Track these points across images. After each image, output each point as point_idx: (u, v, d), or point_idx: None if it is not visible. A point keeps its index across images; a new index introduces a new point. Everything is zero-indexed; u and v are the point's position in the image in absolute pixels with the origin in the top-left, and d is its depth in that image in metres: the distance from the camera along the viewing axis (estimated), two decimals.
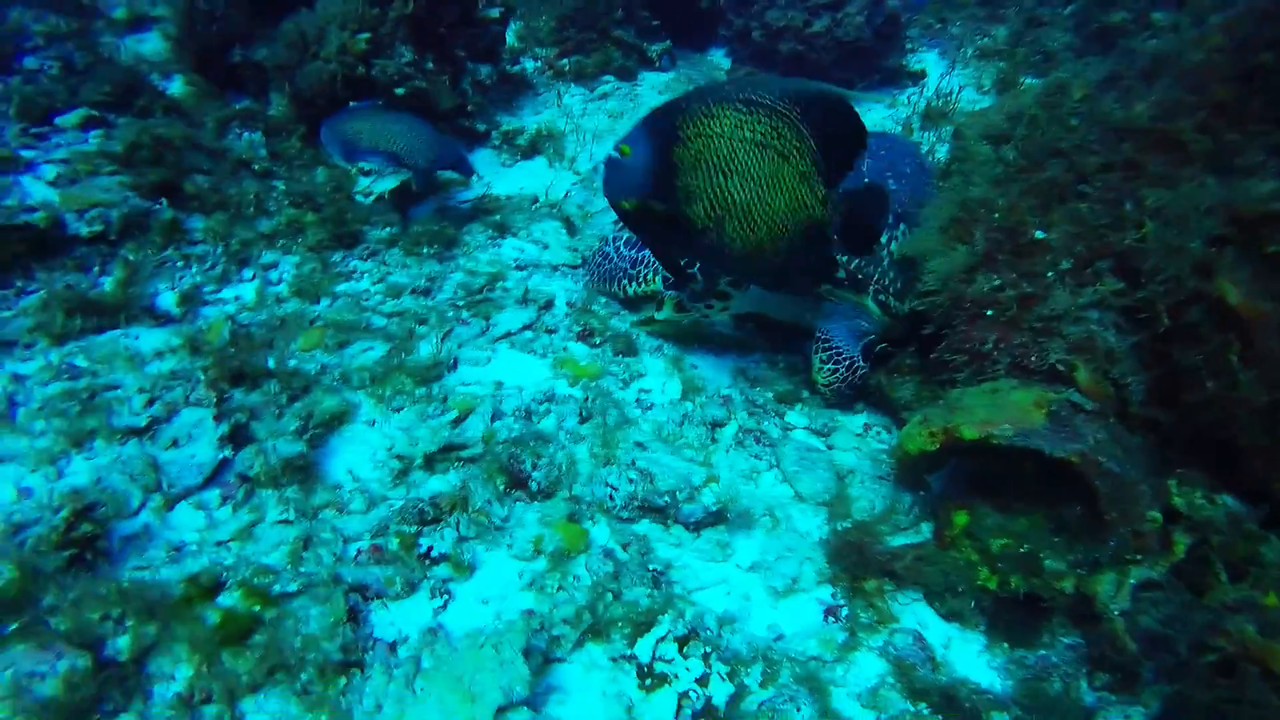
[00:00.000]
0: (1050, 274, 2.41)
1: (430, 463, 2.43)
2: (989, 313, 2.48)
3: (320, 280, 3.39)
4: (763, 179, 2.05)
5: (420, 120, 3.76)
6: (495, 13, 4.66)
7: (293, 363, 2.70)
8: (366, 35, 4.03)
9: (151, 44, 5.39)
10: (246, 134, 4.44)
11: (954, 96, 5.08)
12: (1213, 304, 2.02)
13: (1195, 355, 2.06)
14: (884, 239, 2.94)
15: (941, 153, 4.61)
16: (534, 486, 2.34)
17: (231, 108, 4.66)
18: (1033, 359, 2.35)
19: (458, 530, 2.18)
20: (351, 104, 3.87)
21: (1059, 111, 2.65)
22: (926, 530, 2.58)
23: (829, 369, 2.90)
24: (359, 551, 2.10)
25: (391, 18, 4.14)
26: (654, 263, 3.20)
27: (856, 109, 2.07)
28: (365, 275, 3.53)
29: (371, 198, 4.15)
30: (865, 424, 3.03)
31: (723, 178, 2.05)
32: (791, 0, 4.80)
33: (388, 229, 3.83)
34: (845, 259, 2.91)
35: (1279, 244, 2.02)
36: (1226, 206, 2.02)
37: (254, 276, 3.40)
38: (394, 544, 2.14)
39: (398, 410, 2.66)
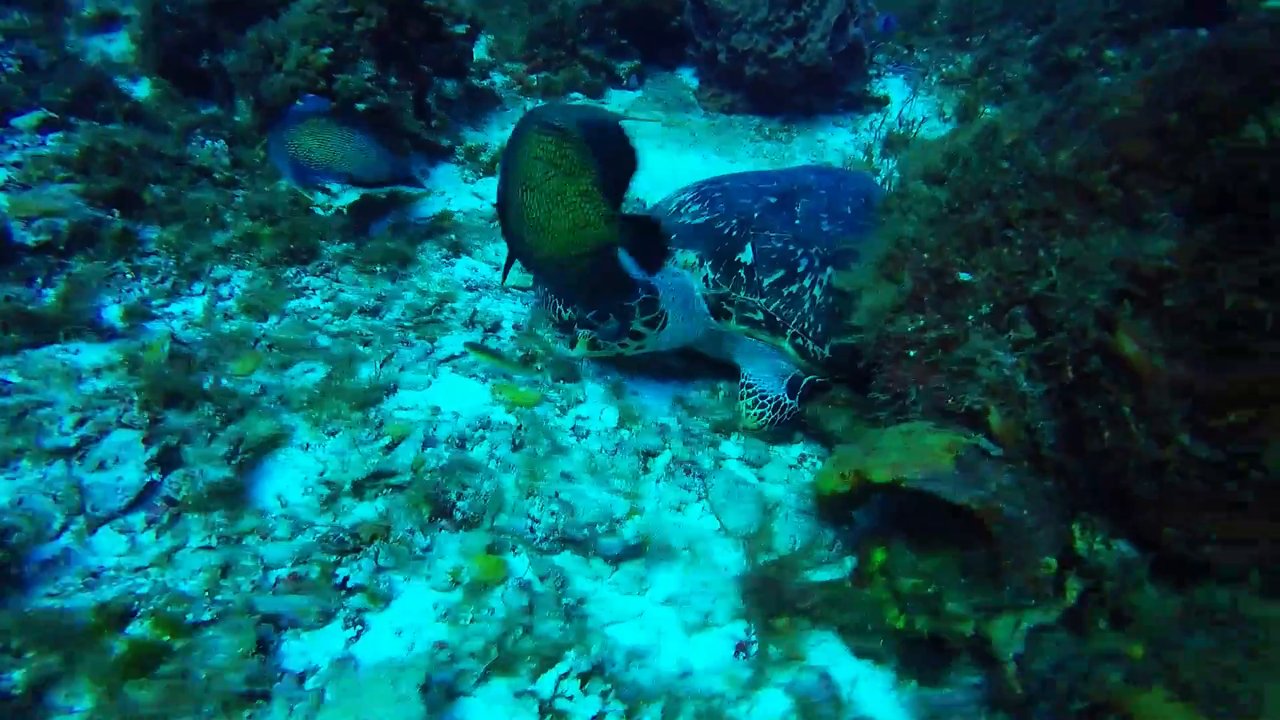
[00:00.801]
0: (971, 317, 2.47)
1: (359, 490, 2.46)
2: (911, 353, 2.54)
3: (270, 296, 3.41)
4: (550, 195, 2.21)
5: (369, 136, 3.79)
6: (462, 29, 4.69)
7: (230, 383, 2.73)
8: (329, 50, 4.05)
9: (120, 44, 5.40)
10: (210, 141, 4.45)
11: (916, 125, 5.16)
12: (1111, 356, 2.08)
13: (1095, 405, 2.13)
14: (808, 282, 3.00)
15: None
16: (458, 516, 2.38)
17: (197, 114, 4.68)
18: (949, 401, 2.41)
19: (376, 560, 2.22)
20: (298, 103, 3.85)
21: (991, 154, 2.71)
22: (850, 564, 2.64)
23: (755, 413, 2.96)
24: (278, 580, 2.13)
25: (356, 32, 4.17)
26: None
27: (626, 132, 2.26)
28: (317, 292, 3.55)
29: (331, 211, 4.18)
30: (801, 455, 3.09)
31: (522, 191, 2.22)
32: (756, 25, 4.85)
33: (344, 244, 3.86)
34: (765, 302, 2.98)
35: (1177, 298, 2.08)
36: (1127, 261, 2.09)
37: (204, 291, 3.42)
38: (314, 572, 2.18)
39: (333, 434, 2.68)
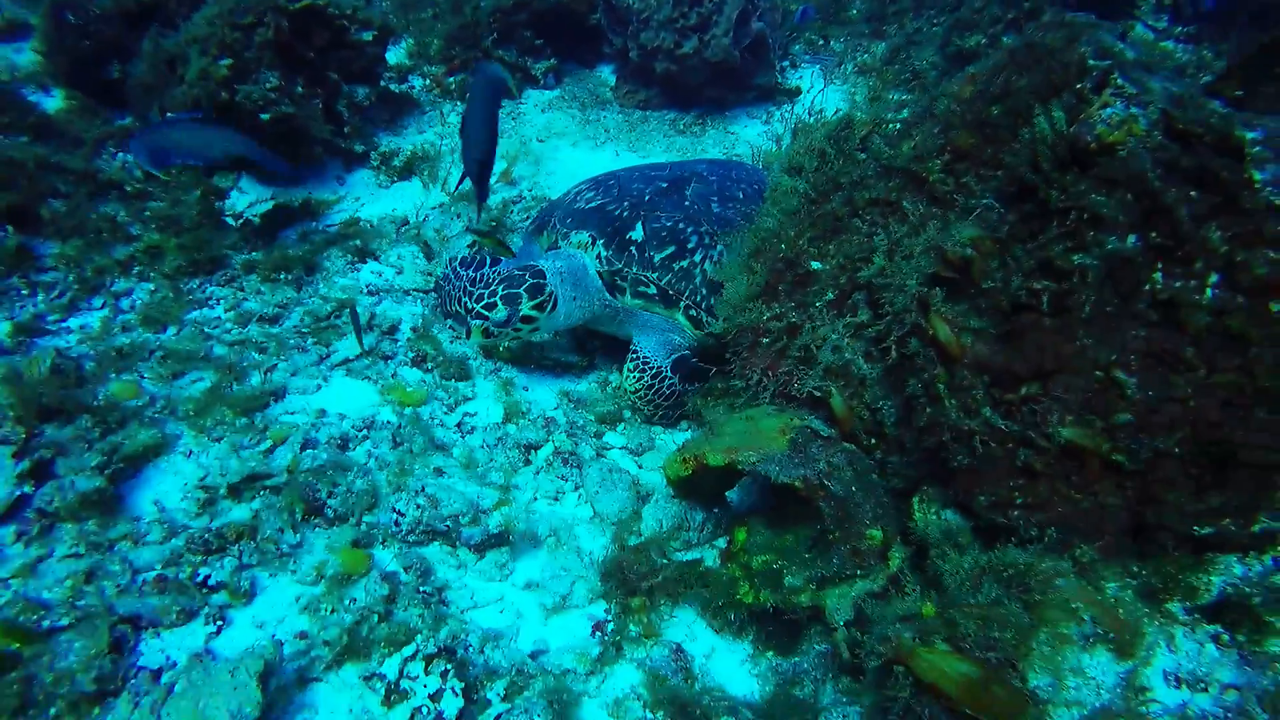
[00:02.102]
0: (818, 304, 2.59)
1: (236, 492, 2.55)
2: (764, 341, 2.66)
3: (171, 308, 3.47)
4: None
5: (233, 131, 3.92)
6: (369, 35, 4.74)
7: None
8: (229, 61, 4.09)
9: (29, 55, 5.38)
10: (122, 154, 4.48)
11: (823, 114, 5.26)
12: (927, 337, 2.21)
13: (917, 384, 2.25)
14: (698, 257, 3.14)
15: None
16: (329, 513, 2.47)
17: (111, 125, 4.70)
18: (795, 386, 2.53)
19: (239, 559, 2.30)
20: (169, 115, 3.98)
21: (846, 146, 2.82)
22: (722, 544, 2.76)
23: (635, 375, 3.10)
24: (144, 582, 2.21)
25: (256, 42, 4.20)
26: (490, 280, 3.34)
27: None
28: (220, 302, 3.62)
29: (240, 220, 4.23)
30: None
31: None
32: (662, 22, 4.94)
33: (252, 253, 3.92)
34: (656, 276, 3.11)
35: (994, 280, 2.21)
36: (936, 247, 2.21)
37: (104, 305, 3.48)
38: (184, 572, 2.26)
39: (217, 440, 2.76)
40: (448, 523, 2.42)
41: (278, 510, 2.43)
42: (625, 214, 3.25)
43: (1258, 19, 4.86)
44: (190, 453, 2.71)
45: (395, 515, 2.45)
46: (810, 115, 5.37)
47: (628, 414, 3.22)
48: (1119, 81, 2.03)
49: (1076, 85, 2.13)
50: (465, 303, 3.09)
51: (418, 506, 2.44)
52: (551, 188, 4.70)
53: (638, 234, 3.19)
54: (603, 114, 5.44)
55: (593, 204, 3.35)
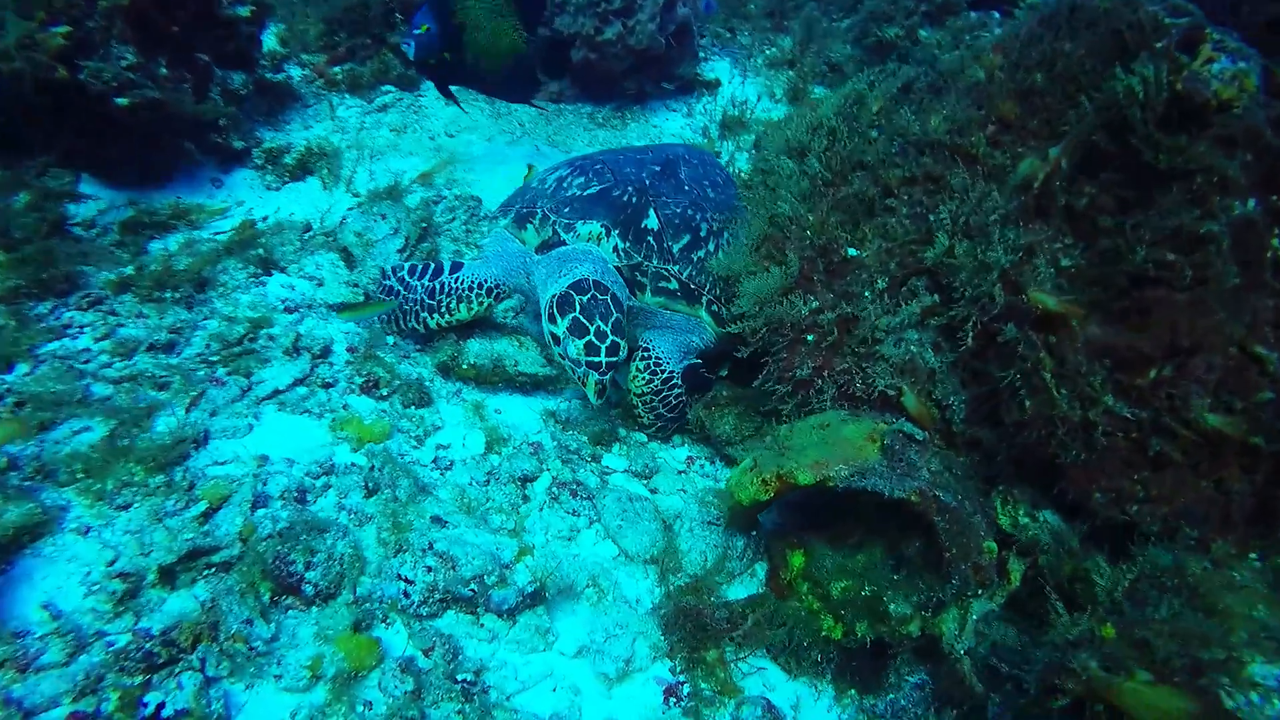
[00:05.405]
0: (868, 293, 2.32)
1: (169, 576, 1.91)
2: (810, 338, 2.35)
3: (17, 339, 2.68)
4: (492, 30, 3.43)
5: None
6: (245, 10, 4.00)
7: None
8: (65, 29, 3.27)
9: None
10: None
11: (749, 106, 5.10)
12: (1027, 320, 1.97)
13: (1013, 374, 2.02)
14: (711, 246, 2.83)
15: (742, 162, 4.59)
16: (309, 590, 1.90)
17: None
18: (859, 385, 2.25)
19: (202, 671, 1.69)
20: None
21: (859, 124, 2.58)
22: (761, 571, 2.42)
23: (644, 377, 2.69)
24: None
25: (102, 8, 3.40)
26: (456, 290, 2.85)
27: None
28: (85, 330, 2.84)
29: (94, 230, 3.42)
30: (689, 457, 2.84)
31: (475, 32, 3.43)
32: (582, 6, 4.55)
33: (118, 269, 3.15)
34: (678, 269, 2.77)
35: (1072, 259, 2.00)
36: (1029, 178, 1.97)
37: None
38: (110, 703, 1.62)
39: (124, 508, 2.09)
40: (471, 586, 1.91)
41: (239, 594, 1.83)
42: (634, 200, 2.86)
43: None
44: (88, 529, 2.02)
45: (402, 583, 1.91)
46: (734, 107, 5.19)
47: (622, 431, 2.81)
48: (1215, 35, 1.90)
49: (1156, 44, 1.98)
50: (432, 319, 2.76)
51: (428, 569, 1.92)
52: (474, 183, 4.18)
53: (653, 222, 2.82)
54: (514, 107, 4.96)
55: (590, 190, 2.91)
